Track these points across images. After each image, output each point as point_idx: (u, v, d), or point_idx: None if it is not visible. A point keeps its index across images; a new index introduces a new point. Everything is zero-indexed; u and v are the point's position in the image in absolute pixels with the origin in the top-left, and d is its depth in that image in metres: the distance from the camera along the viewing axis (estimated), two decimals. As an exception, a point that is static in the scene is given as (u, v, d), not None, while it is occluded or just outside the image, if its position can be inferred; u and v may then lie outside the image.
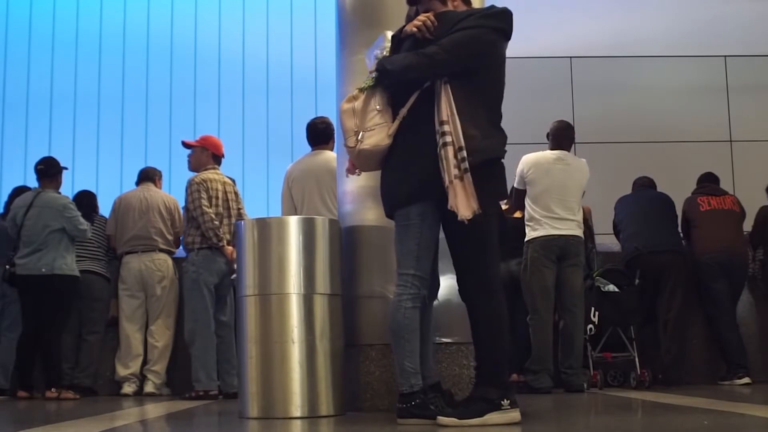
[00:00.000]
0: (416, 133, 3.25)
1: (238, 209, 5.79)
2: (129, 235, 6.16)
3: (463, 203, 3.08)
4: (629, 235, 6.22)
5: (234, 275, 5.36)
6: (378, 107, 3.33)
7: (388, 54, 3.36)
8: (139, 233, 6.14)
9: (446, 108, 3.17)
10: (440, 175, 3.13)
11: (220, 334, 5.71)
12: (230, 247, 5.55)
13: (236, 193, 5.84)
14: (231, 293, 5.70)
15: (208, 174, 5.71)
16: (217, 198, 5.66)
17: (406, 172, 3.28)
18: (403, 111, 3.28)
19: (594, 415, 4.03)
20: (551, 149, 5.85)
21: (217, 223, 5.57)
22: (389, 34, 3.43)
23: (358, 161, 3.42)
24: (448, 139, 3.13)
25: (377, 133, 3.30)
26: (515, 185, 5.73)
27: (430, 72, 3.23)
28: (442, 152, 3.13)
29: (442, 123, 3.15)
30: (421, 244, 3.26)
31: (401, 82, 3.30)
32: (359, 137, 3.31)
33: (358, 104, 3.35)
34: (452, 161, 3.10)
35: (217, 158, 5.84)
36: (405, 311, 3.22)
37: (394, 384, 3.74)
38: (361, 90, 3.35)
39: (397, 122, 3.29)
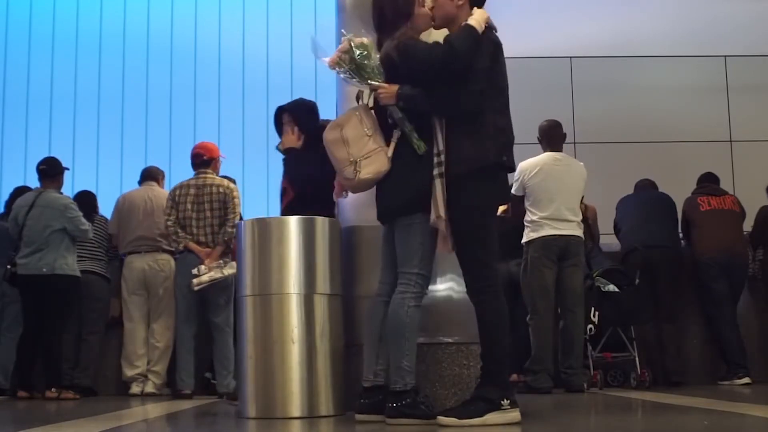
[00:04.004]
0: (411, 148, 3.26)
1: (224, 214, 5.74)
2: (133, 235, 6.16)
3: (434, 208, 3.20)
4: (626, 232, 6.26)
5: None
6: (368, 132, 3.31)
7: (374, 53, 3.32)
8: (143, 233, 6.14)
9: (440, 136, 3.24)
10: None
11: (212, 335, 5.78)
12: (207, 249, 5.67)
13: (225, 194, 5.75)
14: (225, 294, 5.70)
15: (182, 182, 5.87)
16: (184, 203, 5.77)
17: (404, 185, 3.28)
18: (397, 133, 3.28)
19: (594, 415, 4.03)
20: (548, 150, 5.82)
21: (172, 228, 5.76)
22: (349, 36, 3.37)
23: (357, 189, 3.44)
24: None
25: (375, 160, 3.29)
26: (513, 192, 5.65)
27: (451, 59, 3.16)
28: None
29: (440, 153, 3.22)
30: (425, 243, 3.28)
31: (424, 70, 3.24)
32: (356, 167, 3.28)
33: (347, 132, 3.31)
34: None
35: (196, 164, 5.90)
36: (408, 309, 3.24)
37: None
38: (373, 87, 3.30)
39: (393, 144, 3.29)
